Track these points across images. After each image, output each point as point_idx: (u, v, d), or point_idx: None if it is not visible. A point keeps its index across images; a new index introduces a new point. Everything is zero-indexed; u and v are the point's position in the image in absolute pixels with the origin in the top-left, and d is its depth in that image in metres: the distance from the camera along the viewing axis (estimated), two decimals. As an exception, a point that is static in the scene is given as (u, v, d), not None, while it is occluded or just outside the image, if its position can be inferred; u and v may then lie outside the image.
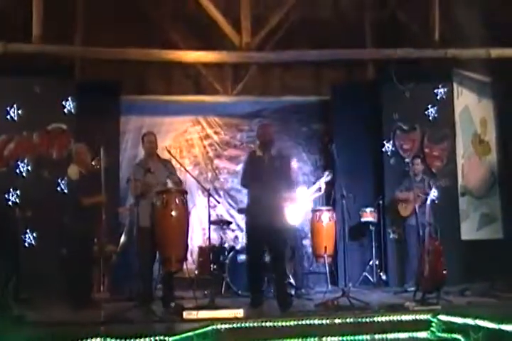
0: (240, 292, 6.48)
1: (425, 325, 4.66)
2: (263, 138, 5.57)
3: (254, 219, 5.50)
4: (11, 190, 6.69)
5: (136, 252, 5.41)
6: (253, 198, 5.53)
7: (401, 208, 6.92)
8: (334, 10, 8.50)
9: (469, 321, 4.42)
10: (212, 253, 6.51)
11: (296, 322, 4.53)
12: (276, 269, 5.54)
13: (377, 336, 4.55)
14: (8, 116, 6.85)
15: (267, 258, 5.70)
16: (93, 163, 5.88)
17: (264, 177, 5.38)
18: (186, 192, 5.50)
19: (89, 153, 5.86)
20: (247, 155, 5.83)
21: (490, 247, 7.14)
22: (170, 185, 5.54)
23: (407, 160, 7.11)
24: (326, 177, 6.84)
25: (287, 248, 6.11)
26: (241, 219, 7.51)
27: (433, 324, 4.65)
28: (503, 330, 4.19)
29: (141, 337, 4.00)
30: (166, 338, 4.00)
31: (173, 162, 5.84)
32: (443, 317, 4.64)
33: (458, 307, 5.24)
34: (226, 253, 6.76)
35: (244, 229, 6.01)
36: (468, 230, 7.43)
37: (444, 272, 5.65)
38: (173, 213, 5.18)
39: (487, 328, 4.27)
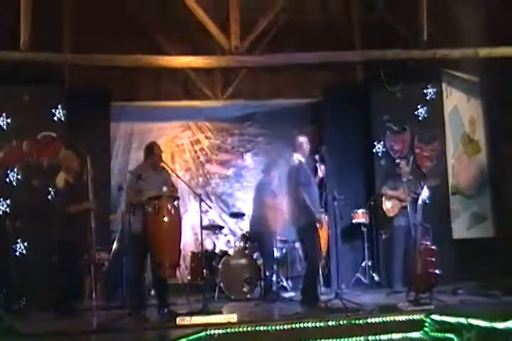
0: (232, 297, 6.49)
1: (418, 325, 4.65)
2: (304, 146, 5.98)
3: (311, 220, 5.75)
4: (1, 199, 6.66)
5: (128, 259, 5.40)
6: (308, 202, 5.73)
7: (386, 208, 6.89)
8: (322, 13, 8.52)
9: (462, 320, 4.41)
10: (204, 258, 6.51)
11: (289, 326, 4.52)
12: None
13: (370, 337, 4.54)
14: (-3, 125, 6.84)
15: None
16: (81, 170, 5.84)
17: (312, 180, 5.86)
18: (178, 198, 5.50)
19: (76, 160, 5.83)
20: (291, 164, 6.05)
21: (481, 246, 7.16)
22: (164, 191, 5.49)
23: (397, 161, 7.13)
24: None
25: None
26: (233, 224, 7.52)
27: (426, 324, 4.65)
28: (495, 328, 4.20)
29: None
30: (160, 345, 4.00)
31: (168, 169, 5.82)
32: (436, 317, 4.63)
33: (451, 306, 5.26)
34: (219, 258, 6.75)
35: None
36: (459, 229, 7.47)
37: (436, 272, 5.67)
38: (165, 219, 5.18)
39: (480, 327, 4.27)
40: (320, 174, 6.03)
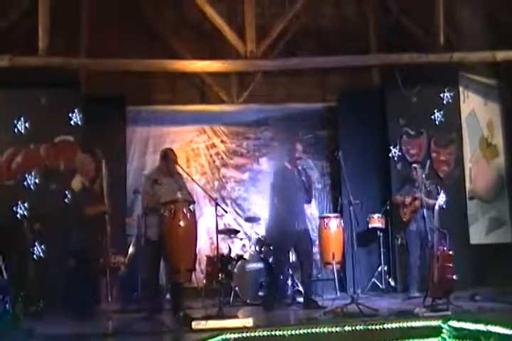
0: (248, 301, 6.48)
1: (436, 332, 4.59)
2: (294, 153, 6.15)
3: (283, 223, 6.04)
4: (19, 202, 6.73)
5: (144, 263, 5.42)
6: (282, 205, 6.04)
7: (402, 213, 6.85)
8: (338, 16, 8.52)
9: (480, 327, 4.35)
10: (220, 262, 6.50)
11: (305, 330, 4.50)
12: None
13: (387, 343, 4.51)
14: (16, 129, 6.92)
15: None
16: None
17: (292, 187, 6.03)
18: (194, 202, 5.50)
19: (93, 163, 5.88)
20: (277, 167, 6.41)
21: (499, 251, 7.09)
22: (179, 196, 5.51)
23: (414, 165, 7.08)
24: None
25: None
26: (249, 228, 7.52)
27: (443, 330, 4.59)
28: (515, 336, 4.13)
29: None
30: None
31: (184, 175, 5.83)
32: (453, 323, 4.57)
33: (468, 312, 5.18)
34: (234, 262, 6.75)
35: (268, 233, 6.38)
36: (477, 234, 7.39)
37: (454, 277, 5.60)
38: (181, 223, 5.15)
39: (498, 334, 4.20)
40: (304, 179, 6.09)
